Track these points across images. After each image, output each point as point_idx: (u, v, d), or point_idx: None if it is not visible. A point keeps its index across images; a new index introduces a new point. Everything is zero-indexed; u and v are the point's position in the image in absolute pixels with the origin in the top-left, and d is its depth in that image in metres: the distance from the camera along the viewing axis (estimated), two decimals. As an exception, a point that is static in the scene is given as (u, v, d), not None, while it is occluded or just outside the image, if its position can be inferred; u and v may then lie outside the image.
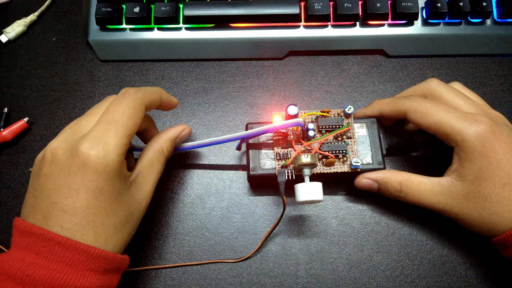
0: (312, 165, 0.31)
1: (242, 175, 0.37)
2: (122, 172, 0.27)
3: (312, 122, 0.34)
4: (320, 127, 0.33)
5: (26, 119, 0.38)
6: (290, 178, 0.32)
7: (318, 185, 0.31)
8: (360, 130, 0.34)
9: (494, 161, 0.28)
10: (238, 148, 0.35)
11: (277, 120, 0.33)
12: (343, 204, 0.36)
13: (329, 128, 0.33)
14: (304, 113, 0.34)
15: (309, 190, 0.30)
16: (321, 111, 0.34)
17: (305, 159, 0.30)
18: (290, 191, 0.31)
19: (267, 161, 0.33)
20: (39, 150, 0.38)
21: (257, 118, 0.39)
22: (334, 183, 0.36)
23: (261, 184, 0.36)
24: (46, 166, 0.27)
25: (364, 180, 0.33)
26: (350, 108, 0.33)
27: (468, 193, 0.29)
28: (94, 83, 0.41)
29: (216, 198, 0.36)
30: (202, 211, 0.36)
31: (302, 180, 0.31)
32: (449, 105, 0.31)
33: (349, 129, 0.34)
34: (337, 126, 0.33)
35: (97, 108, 0.30)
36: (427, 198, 0.31)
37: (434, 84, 0.33)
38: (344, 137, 0.34)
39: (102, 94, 0.40)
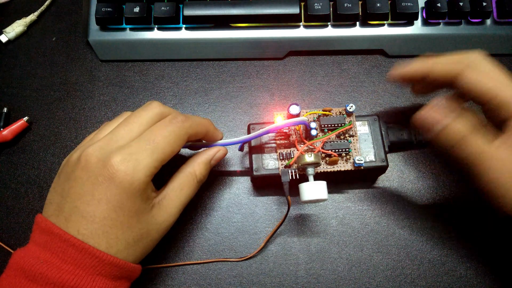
0: (315, 164, 0.31)
1: (242, 174, 0.37)
2: (146, 193, 0.27)
3: (314, 121, 0.34)
4: (322, 126, 0.33)
5: (26, 118, 0.38)
6: (293, 177, 0.32)
7: (323, 184, 0.31)
8: (362, 128, 0.35)
9: None
10: (241, 149, 0.35)
11: (279, 120, 0.33)
12: (343, 204, 0.36)
13: (331, 126, 0.33)
14: (306, 112, 0.34)
15: (314, 189, 0.30)
16: (323, 110, 0.34)
17: (309, 158, 0.30)
18: (293, 190, 0.31)
19: (270, 162, 0.33)
20: (39, 150, 0.38)
21: (258, 118, 0.39)
22: (338, 182, 0.36)
23: (265, 184, 0.36)
24: (78, 170, 0.27)
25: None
26: (351, 106, 0.33)
27: None
28: (94, 83, 0.41)
29: (216, 198, 0.36)
30: (202, 211, 0.36)
31: (306, 180, 0.31)
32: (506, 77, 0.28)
33: (351, 127, 0.34)
34: (339, 125, 0.33)
35: (138, 117, 0.29)
36: (486, 148, 0.27)
37: (479, 59, 0.29)
38: (347, 135, 0.34)
39: (102, 94, 0.40)
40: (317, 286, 0.33)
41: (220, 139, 0.33)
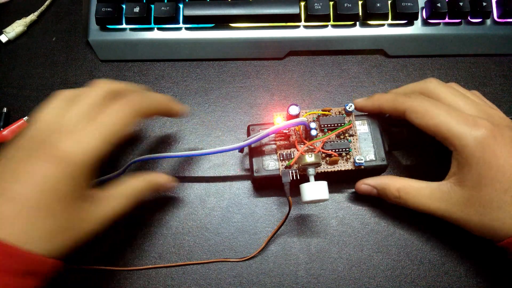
0: (316, 165, 0.31)
1: (242, 175, 0.37)
2: (85, 178, 0.26)
3: (313, 121, 0.34)
4: (322, 126, 0.33)
5: (25, 118, 0.38)
6: (294, 178, 0.32)
7: (324, 184, 0.31)
8: (362, 127, 0.34)
9: (494, 166, 0.27)
10: (241, 150, 0.35)
11: (279, 121, 0.33)
12: (343, 204, 0.36)
13: (331, 126, 0.33)
14: (306, 113, 0.34)
15: (315, 190, 0.30)
16: (322, 110, 0.34)
17: (309, 158, 0.30)
18: (294, 191, 0.31)
19: (270, 162, 0.33)
20: (39, 150, 0.38)
21: (258, 118, 0.39)
22: (338, 182, 0.36)
23: (265, 185, 0.36)
24: (15, 149, 0.25)
25: (363, 186, 0.34)
26: (351, 106, 0.34)
27: (468, 198, 0.29)
28: (94, 83, 0.41)
29: (216, 198, 0.36)
30: (202, 211, 0.36)
31: (307, 180, 0.31)
32: (449, 107, 0.30)
33: (351, 127, 0.34)
34: (339, 124, 0.33)
35: (86, 97, 0.28)
36: (426, 204, 0.31)
37: (433, 84, 0.32)
38: (346, 135, 0.34)
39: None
40: (317, 286, 0.33)
41: (181, 115, 0.32)
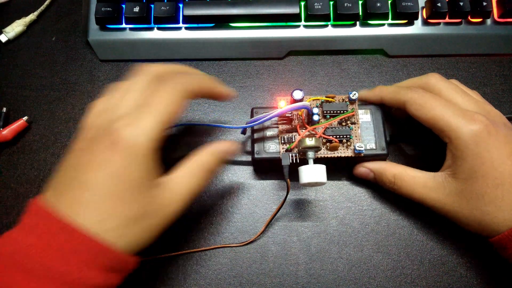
0: (316, 148, 0.31)
1: (243, 160, 0.37)
2: (149, 162, 0.26)
3: (317, 107, 0.34)
4: (325, 112, 0.33)
5: (25, 118, 0.38)
6: (294, 161, 0.32)
7: (322, 168, 0.31)
8: (364, 116, 0.35)
9: (487, 161, 0.28)
10: (243, 132, 0.36)
11: (283, 105, 0.33)
12: (343, 204, 0.36)
13: (333, 113, 0.34)
14: (309, 98, 0.34)
15: (313, 172, 0.31)
16: (326, 97, 0.34)
17: (310, 142, 0.31)
18: (294, 176, 0.32)
19: (271, 145, 0.34)
20: (39, 150, 0.38)
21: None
22: (337, 168, 0.36)
23: (265, 167, 0.36)
24: (78, 141, 0.26)
25: (361, 168, 0.35)
26: (354, 94, 0.34)
27: (461, 191, 0.29)
28: (94, 83, 0.41)
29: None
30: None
31: (306, 163, 0.31)
32: (448, 101, 0.31)
33: (353, 115, 0.34)
34: (342, 111, 0.34)
35: (134, 84, 0.28)
36: (420, 193, 0.31)
37: (434, 79, 0.33)
38: (349, 122, 0.34)
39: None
40: (317, 286, 0.33)
41: (227, 98, 0.32)
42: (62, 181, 0.26)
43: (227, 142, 0.31)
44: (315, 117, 0.33)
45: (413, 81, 0.35)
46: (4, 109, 0.39)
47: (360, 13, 0.40)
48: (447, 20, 0.40)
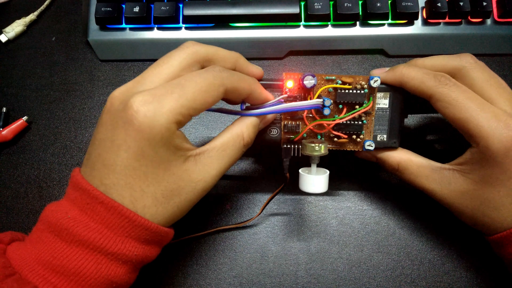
0: (323, 155, 0.29)
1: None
2: (172, 141, 0.24)
3: (329, 93, 0.30)
4: (338, 101, 0.30)
5: (25, 118, 0.38)
6: (295, 155, 0.31)
7: (325, 178, 0.29)
8: (382, 101, 0.31)
9: (509, 172, 0.26)
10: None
11: (290, 85, 0.30)
12: (343, 204, 0.36)
13: (348, 103, 0.30)
14: (322, 87, 0.30)
15: (315, 183, 0.29)
16: (342, 81, 0.30)
17: (317, 149, 0.28)
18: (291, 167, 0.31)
19: (273, 129, 0.32)
20: (39, 150, 0.38)
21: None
22: (337, 170, 0.36)
23: (263, 151, 0.36)
24: (104, 114, 0.25)
25: (364, 152, 0.33)
26: (376, 80, 0.29)
27: (467, 191, 0.28)
28: (94, 83, 0.41)
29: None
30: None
31: (308, 165, 0.30)
32: (481, 100, 0.27)
33: (370, 108, 0.30)
34: (357, 103, 0.30)
35: (169, 58, 0.27)
36: (422, 184, 0.30)
37: (468, 64, 0.29)
38: (363, 114, 0.31)
39: (102, 94, 0.40)
40: (317, 286, 0.33)
41: (266, 101, 0.29)
42: (91, 157, 0.25)
43: (253, 119, 0.29)
44: (326, 111, 0.29)
45: (441, 62, 0.30)
46: (4, 109, 0.39)
47: (360, 13, 0.40)
48: (447, 20, 0.40)
